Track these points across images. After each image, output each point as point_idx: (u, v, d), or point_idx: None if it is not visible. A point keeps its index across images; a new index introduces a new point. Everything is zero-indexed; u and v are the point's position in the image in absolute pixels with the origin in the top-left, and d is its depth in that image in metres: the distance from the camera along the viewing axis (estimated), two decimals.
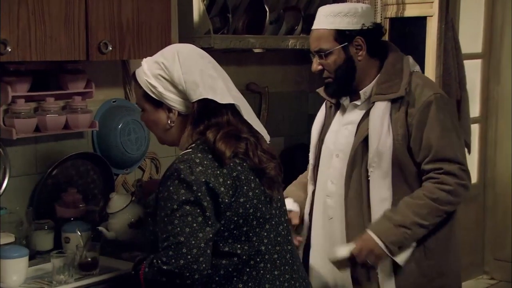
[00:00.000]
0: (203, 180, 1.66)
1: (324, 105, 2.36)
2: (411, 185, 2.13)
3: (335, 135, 2.25)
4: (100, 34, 2.25)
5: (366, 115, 2.16)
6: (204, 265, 1.64)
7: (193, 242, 1.63)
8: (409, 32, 3.19)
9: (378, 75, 2.17)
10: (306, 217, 2.33)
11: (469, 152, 3.63)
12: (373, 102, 2.14)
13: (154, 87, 1.77)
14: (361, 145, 2.14)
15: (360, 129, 2.17)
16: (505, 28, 4.32)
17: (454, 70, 3.33)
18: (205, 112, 1.74)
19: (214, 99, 1.73)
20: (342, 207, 2.18)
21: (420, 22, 3.13)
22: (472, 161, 4.37)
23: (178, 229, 1.63)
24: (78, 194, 2.45)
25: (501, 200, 4.40)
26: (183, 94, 1.76)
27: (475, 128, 4.24)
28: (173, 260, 1.62)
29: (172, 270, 1.63)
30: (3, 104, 2.28)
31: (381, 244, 2.06)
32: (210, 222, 1.66)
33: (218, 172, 1.68)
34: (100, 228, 2.18)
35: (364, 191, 2.14)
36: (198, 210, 1.65)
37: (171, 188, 1.67)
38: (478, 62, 4.37)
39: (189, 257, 1.62)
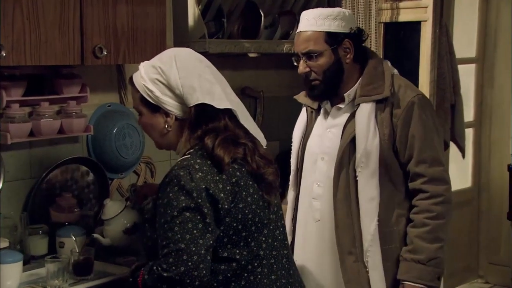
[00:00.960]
0: (203, 186, 1.66)
1: (304, 110, 2.39)
2: (395, 183, 2.19)
3: (319, 139, 2.28)
4: (95, 39, 2.25)
5: (351, 117, 2.20)
6: (204, 272, 1.64)
7: (194, 249, 1.63)
8: (403, 37, 3.20)
9: (361, 78, 2.22)
10: (290, 222, 2.36)
11: (463, 156, 3.65)
12: (358, 104, 2.18)
13: (151, 91, 1.77)
14: (348, 147, 2.18)
15: (346, 131, 2.20)
16: (498, 33, 4.35)
17: (448, 74, 3.34)
18: (202, 116, 1.74)
19: (211, 104, 1.73)
20: (330, 208, 2.21)
21: (414, 27, 3.14)
22: (467, 165, 4.39)
23: (179, 236, 1.63)
24: (73, 198, 2.44)
25: (495, 204, 4.42)
26: (180, 99, 1.76)
27: (469, 133, 4.26)
28: (173, 267, 1.62)
29: (173, 277, 1.62)
30: None
31: (425, 287, 2.12)
32: (210, 229, 1.66)
33: (218, 178, 1.68)
34: (95, 235, 2.17)
35: (353, 191, 2.17)
36: (199, 217, 1.65)
37: (170, 194, 1.66)
38: (472, 67, 4.39)
39: (189, 264, 1.62)
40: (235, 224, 1.70)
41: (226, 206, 1.68)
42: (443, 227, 2.14)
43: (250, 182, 1.74)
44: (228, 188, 1.69)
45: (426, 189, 2.14)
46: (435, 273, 2.13)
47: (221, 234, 1.69)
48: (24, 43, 2.07)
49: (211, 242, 1.66)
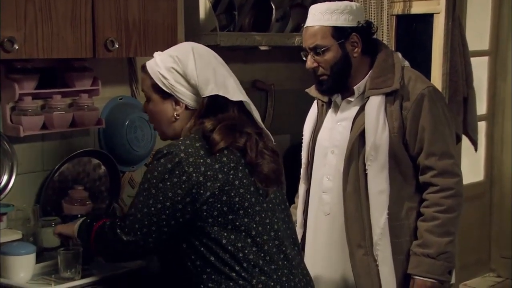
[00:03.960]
0: (178, 171, 1.68)
1: (315, 104, 2.40)
2: (406, 177, 2.18)
3: (329, 132, 2.28)
4: (107, 32, 2.26)
5: (361, 110, 2.20)
6: (151, 245, 1.73)
7: (146, 223, 1.71)
8: (415, 29, 3.18)
9: (371, 70, 2.21)
10: (301, 215, 2.35)
11: (475, 149, 3.63)
12: (368, 97, 2.17)
13: (165, 78, 1.79)
14: (358, 140, 2.17)
15: (356, 124, 2.20)
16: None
17: (461, 67, 3.32)
18: (213, 107, 1.76)
19: (226, 96, 1.76)
20: (340, 202, 2.20)
21: (427, 19, 3.12)
22: (479, 158, 4.37)
23: (140, 206, 1.72)
24: (85, 191, 2.45)
25: (507, 197, 4.39)
26: (194, 89, 1.78)
27: (481, 126, 4.23)
28: (126, 230, 1.73)
29: (121, 237, 1.73)
30: (10, 101, 2.28)
31: (436, 282, 2.12)
32: (168, 212, 1.70)
33: (201, 161, 1.70)
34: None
35: (362, 185, 2.17)
36: (161, 198, 1.69)
37: (150, 165, 1.75)
38: (485, 60, 4.36)
39: (138, 233, 1.72)
40: (219, 205, 1.70)
41: (202, 191, 1.68)
42: (454, 221, 2.13)
43: (240, 167, 1.74)
44: (209, 173, 1.69)
45: (436, 182, 2.13)
46: (446, 267, 2.12)
47: (205, 214, 1.70)
48: (37, 36, 2.08)
49: (165, 223, 1.70)
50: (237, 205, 1.72)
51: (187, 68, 1.77)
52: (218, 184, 1.70)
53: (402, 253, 2.18)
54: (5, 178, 2.30)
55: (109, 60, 2.56)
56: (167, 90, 1.79)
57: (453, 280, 2.20)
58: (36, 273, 2.07)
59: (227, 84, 1.78)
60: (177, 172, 1.68)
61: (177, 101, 1.80)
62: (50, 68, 2.40)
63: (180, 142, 1.72)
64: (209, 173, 1.69)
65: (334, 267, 2.25)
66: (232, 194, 1.71)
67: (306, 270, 1.88)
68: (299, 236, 2.34)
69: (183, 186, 1.68)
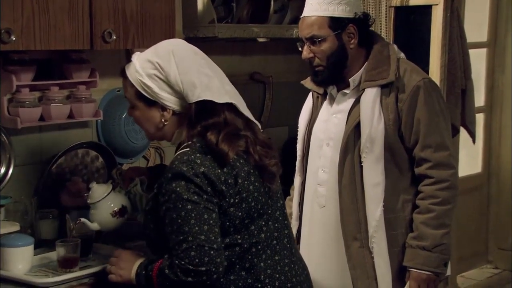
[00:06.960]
0: (207, 181, 1.67)
1: (310, 96, 2.39)
2: (401, 169, 2.19)
3: (324, 124, 2.28)
4: (104, 23, 2.25)
5: (356, 102, 2.20)
6: (224, 257, 1.67)
7: (213, 238, 1.65)
8: (414, 21, 3.17)
9: (366, 62, 2.20)
10: (296, 207, 2.35)
11: (474, 141, 3.64)
12: (363, 89, 2.17)
13: (148, 87, 1.75)
14: (353, 132, 2.17)
15: (351, 116, 2.20)
16: (510, 17, 4.30)
17: (459, 59, 3.31)
18: (202, 112, 1.73)
19: (211, 99, 1.72)
20: (335, 194, 2.21)
21: (425, 10, 3.11)
22: (477, 150, 4.38)
23: (197, 228, 1.64)
24: (83, 183, 2.45)
25: (505, 189, 4.40)
26: (179, 94, 1.75)
27: (479, 118, 4.23)
28: (196, 260, 1.63)
29: (199, 269, 1.64)
30: (8, 93, 2.28)
31: (431, 274, 2.12)
32: (218, 218, 1.69)
33: (219, 171, 1.69)
34: (83, 219, 2.08)
35: (358, 177, 2.17)
36: (211, 208, 1.67)
37: (178, 189, 1.66)
38: (483, 51, 4.36)
39: (212, 252, 1.64)
40: (240, 214, 1.71)
41: (227, 199, 1.69)
42: (449, 213, 2.14)
43: (251, 171, 1.75)
44: (229, 181, 1.70)
45: (431, 174, 2.13)
46: (441, 259, 2.13)
47: (227, 223, 1.70)
48: (34, 27, 2.07)
49: (217, 230, 1.68)
50: (253, 209, 1.74)
51: (170, 75, 1.73)
52: (239, 189, 1.71)
53: (398, 245, 2.18)
54: (2, 170, 2.30)
55: (107, 52, 2.55)
56: (151, 98, 1.76)
57: (448, 272, 2.20)
58: (35, 265, 2.07)
59: (211, 85, 1.74)
60: (206, 182, 1.67)
61: (163, 107, 1.76)
62: (48, 59, 2.40)
63: (193, 157, 1.69)
64: (229, 181, 1.70)
65: (329, 259, 2.26)
66: (250, 199, 1.73)
67: (301, 255, 1.91)
68: (295, 229, 2.35)
69: (216, 192, 1.68)
